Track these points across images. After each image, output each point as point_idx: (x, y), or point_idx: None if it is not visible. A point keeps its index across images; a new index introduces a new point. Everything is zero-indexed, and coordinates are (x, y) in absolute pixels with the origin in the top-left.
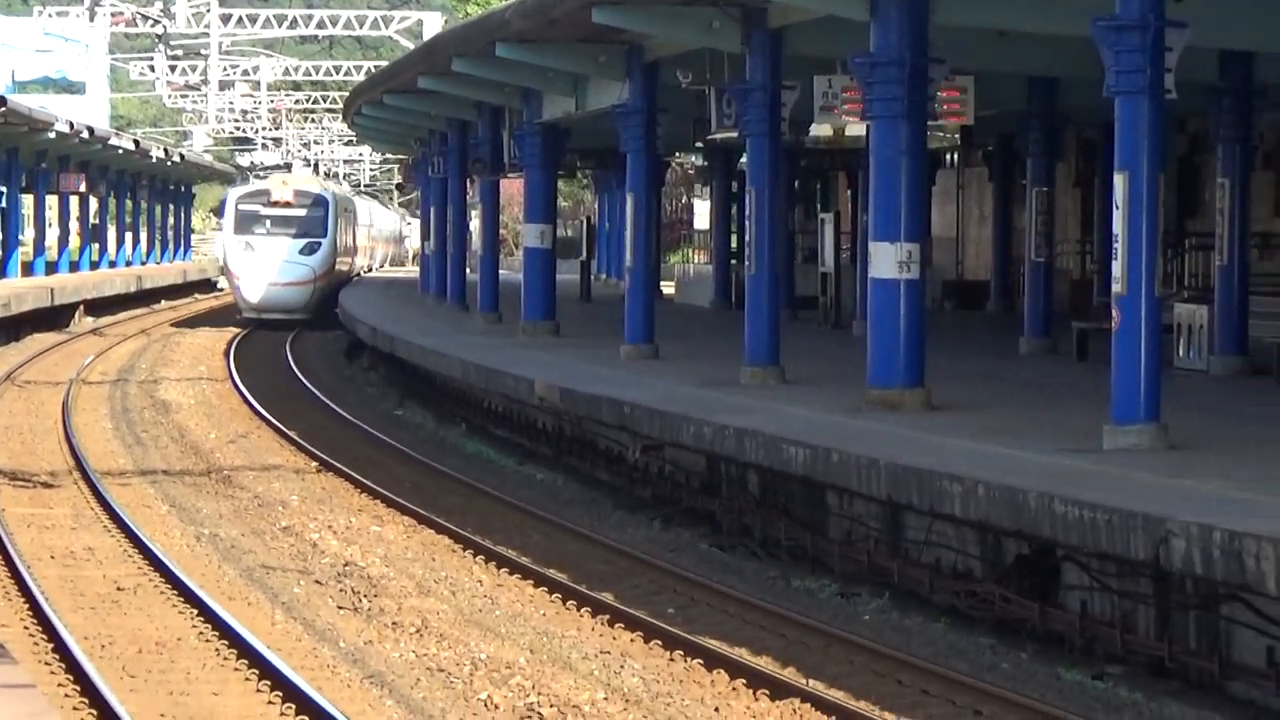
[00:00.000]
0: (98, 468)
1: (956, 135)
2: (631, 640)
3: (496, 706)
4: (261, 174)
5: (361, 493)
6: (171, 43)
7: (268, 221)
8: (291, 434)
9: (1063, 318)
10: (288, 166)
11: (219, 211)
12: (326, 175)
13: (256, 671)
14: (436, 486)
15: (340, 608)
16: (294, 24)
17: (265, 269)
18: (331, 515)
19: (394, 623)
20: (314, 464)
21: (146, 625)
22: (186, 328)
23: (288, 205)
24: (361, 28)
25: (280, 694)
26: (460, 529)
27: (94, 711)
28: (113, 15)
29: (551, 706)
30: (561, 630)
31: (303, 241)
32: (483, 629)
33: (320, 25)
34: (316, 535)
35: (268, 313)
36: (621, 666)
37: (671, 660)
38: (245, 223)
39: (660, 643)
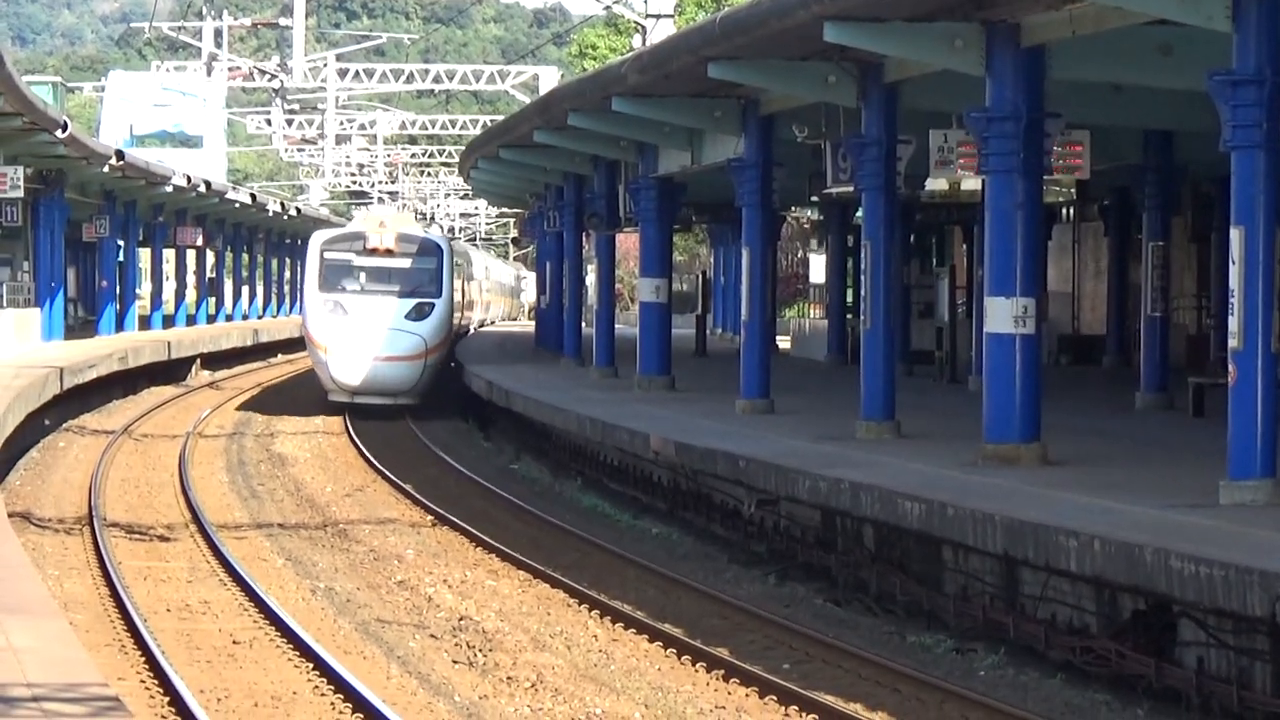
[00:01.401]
0: (214, 521)
1: (1072, 189)
2: (746, 696)
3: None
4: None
5: (477, 547)
6: (288, 97)
7: (363, 275)
8: (407, 487)
9: (1179, 373)
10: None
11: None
12: (438, 227)
13: None
14: (552, 541)
15: (455, 662)
16: (410, 78)
17: (361, 338)
18: (447, 569)
19: (509, 677)
20: (429, 518)
21: (262, 679)
22: (302, 381)
23: (389, 254)
24: (478, 82)
25: None
26: (575, 583)
27: None
28: (230, 70)
29: None
30: (677, 685)
31: (411, 303)
32: (598, 684)
33: (436, 80)
34: (432, 589)
35: (364, 395)
36: None
37: (786, 715)
38: (333, 276)
39: (775, 698)
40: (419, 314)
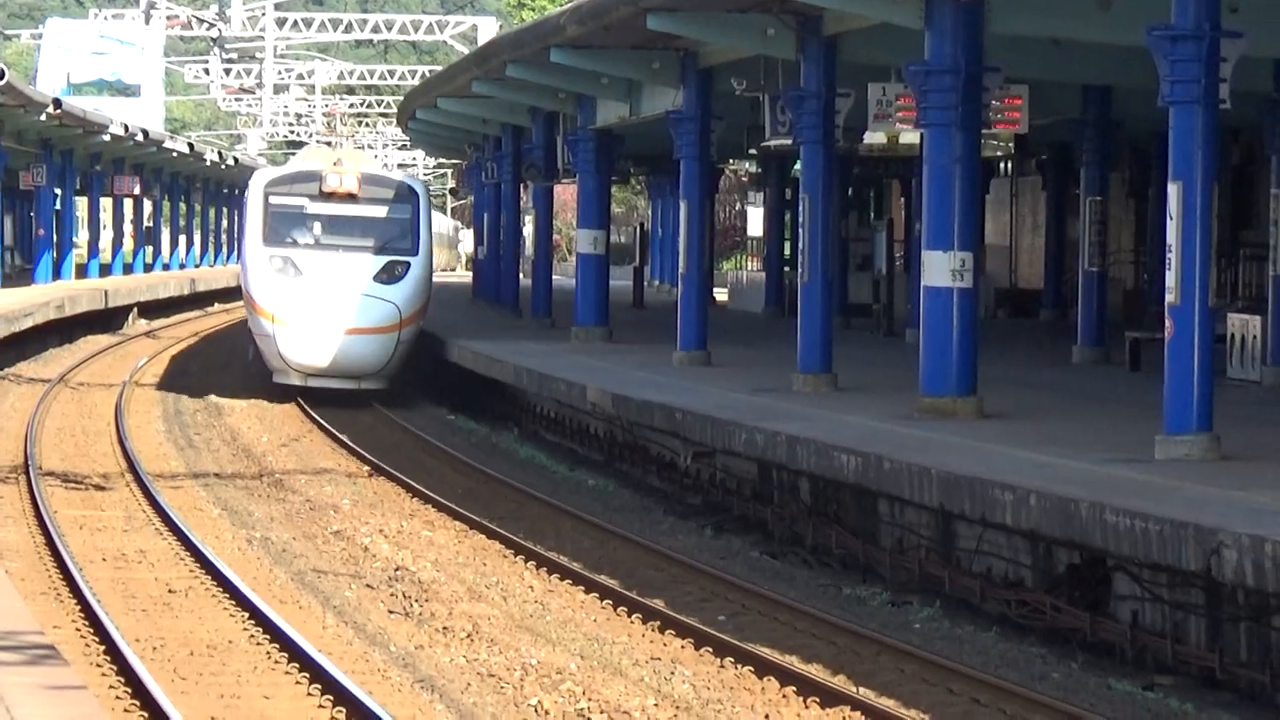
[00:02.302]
0: (150, 470)
1: (1010, 144)
2: (682, 647)
3: (547, 712)
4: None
5: (413, 497)
6: (226, 46)
7: (320, 225)
8: (343, 437)
9: (1116, 327)
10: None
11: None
12: None
13: (307, 675)
14: (488, 492)
15: (391, 612)
16: (349, 28)
17: (320, 306)
18: (383, 519)
19: (445, 628)
20: (366, 468)
21: (198, 628)
22: (240, 331)
23: (351, 199)
24: (416, 32)
25: (331, 698)
26: (511, 534)
27: (145, 714)
28: (168, 19)
29: (602, 712)
30: (612, 636)
31: (381, 261)
32: (533, 634)
33: (375, 30)
34: (368, 539)
35: (323, 378)
36: (672, 673)
37: (722, 667)
38: (281, 226)
39: (711, 650)
40: (391, 275)
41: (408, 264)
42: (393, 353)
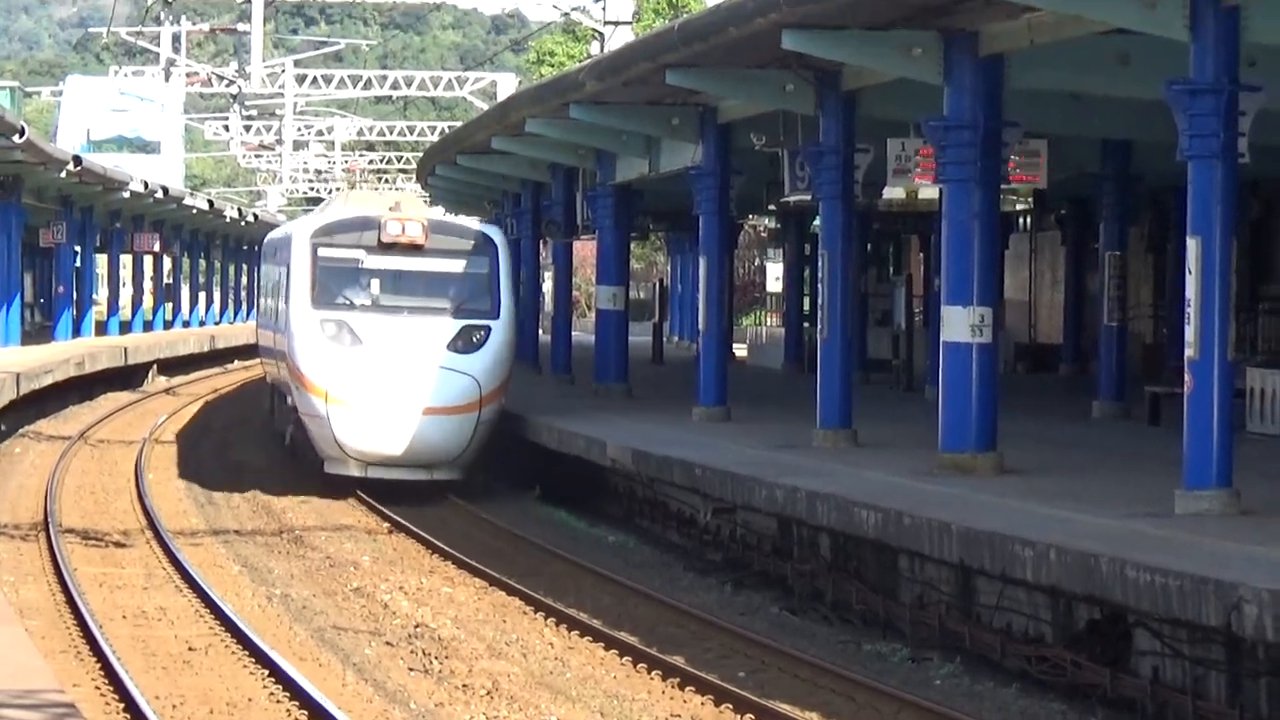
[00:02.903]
0: (170, 527)
1: (1029, 198)
2: (702, 704)
3: None
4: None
5: (433, 554)
6: (246, 103)
7: (381, 283)
8: (362, 494)
9: (1135, 382)
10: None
11: (260, 260)
12: None
13: None
14: (508, 548)
15: (411, 669)
16: (368, 85)
17: (386, 382)
18: (403, 577)
19: (465, 685)
20: (385, 525)
21: (218, 685)
22: (260, 389)
23: (416, 251)
24: (435, 89)
25: None
26: (531, 591)
27: None
28: (188, 76)
29: None
30: (632, 693)
31: (458, 325)
32: (554, 691)
33: (394, 86)
34: (388, 596)
35: (388, 468)
36: None
37: None
38: (333, 285)
39: (731, 706)
40: (468, 343)
41: (487, 329)
42: (471, 436)
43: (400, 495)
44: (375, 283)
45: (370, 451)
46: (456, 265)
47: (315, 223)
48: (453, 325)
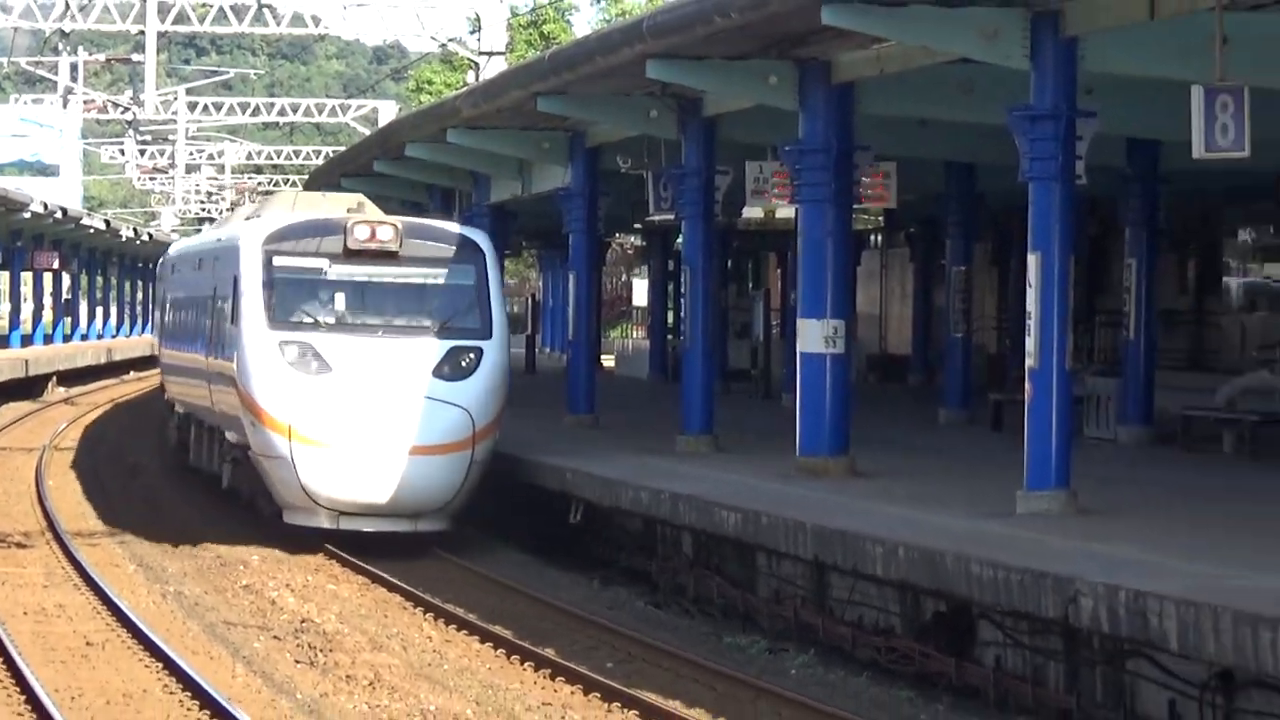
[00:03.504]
0: (69, 529)
1: (880, 218)
2: (572, 693)
3: None
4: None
5: (318, 553)
6: (141, 128)
7: (349, 298)
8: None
9: (980, 390)
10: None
11: (163, 273)
12: None
13: None
14: (389, 548)
15: (298, 662)
16: (256, 111)
17: (363, 415)
18: (290, 574)
19: (348, 676)
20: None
21: (114, 678)
22: (153, 397)
23: (390, 259)
24: (320, 115)
25: None
26: (410, 587)
27: None
28: (85, 103)
29: None
30: (506, 683)
31: (444, 348)
32: (431, 682)
33: (281, 112)
34: (275, 593)
35: (363, 517)
36: (563, 717)
37: (609, 712)
38: (291, 300)
39: (599, 695)
40: (457, 368)
41: (478, 351)
42: (464, 478)
43: (381, 547)
44: (343, 297)
45: (344, 499)
46: (438, 275)
47: (266, 227)
48: (438, 347)
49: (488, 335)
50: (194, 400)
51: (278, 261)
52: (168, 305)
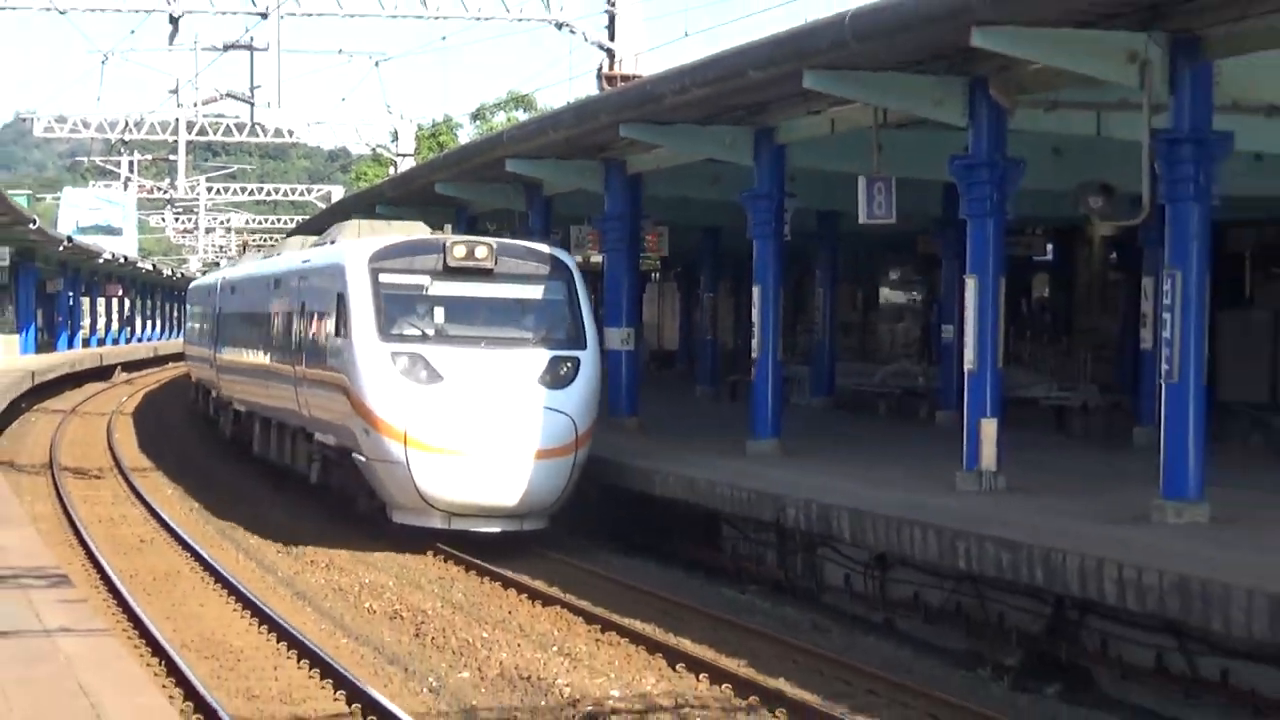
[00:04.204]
0: (129, 466)
1: (658, 262)
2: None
3: (373, 612)
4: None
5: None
6: (175, 204)
7: (455, 313)
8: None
9: (723, 374)
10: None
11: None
12: None
13: (226, 590)
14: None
15: (278, 552)
16: (251, 193)
17: (478, 422)
18: (282, 495)
19: (311, 561)
20: (259, 466)
21: (158, 563)
22: (181, 381)
23: (485, 276)
24: (293, 195)
25: (241, 604)
26: (519, 576)
27: (124, 616)
28: (140, 186)
29: (409, 611)
30: (416, 564)
31: (544, 358)
32: (368, 565)
33: (267, 194)
34: (269, 507)
35: (474, 517)
36: (451, 585)
37: (483, 582)
38: (400, 314)
39: (476, 570)
40: (557, 377)
41: (576, 361)
42: (568, 481)
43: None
44: (446, 311)
45: (458, 501)
46: (533, 291)
47: (369, 247)
48: (542, 357)
49: (583, 345)
50: (267, 402)
51: (383, 278)
52: (221, 320)
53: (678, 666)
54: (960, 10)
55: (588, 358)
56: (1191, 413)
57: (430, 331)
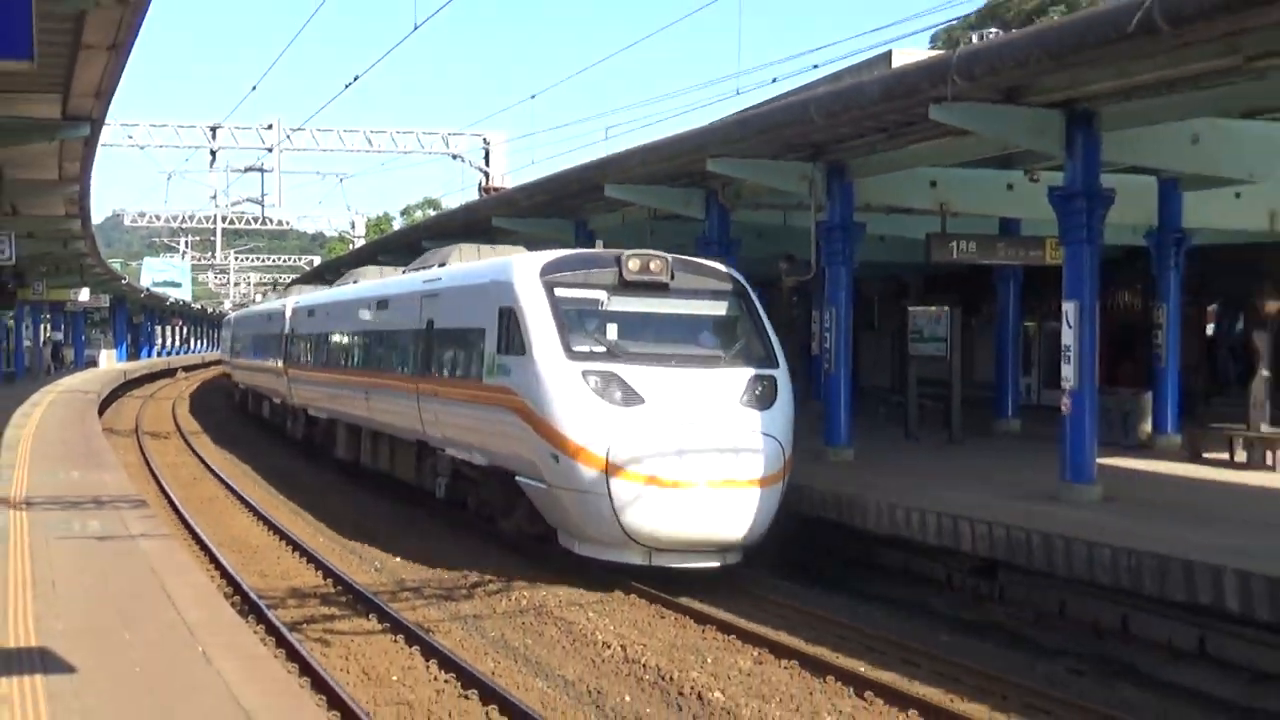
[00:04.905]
0: (186, 430)
1: None
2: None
3: (340, 519)
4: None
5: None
6: (215, 267)
7: (638, 329)
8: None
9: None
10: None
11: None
12: None
13: (252, 511)
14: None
15: (281, 484)
16: (263, 259)
17: (682, 447)
18: (302, 455)
19: (296, 485)
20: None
21: (206, 491)
22: (218, 381)
23: (662, 291)
24: (289, 262)
25: (256, 517)
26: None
27: (182, 526)
28: (192, 256)
29: None
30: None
31: (746, 375)
32: (327, 482)
33: (274, 263)
34: (293, 460)
35: (679, 551)
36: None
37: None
38: (585, 331)
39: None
40: (760, 398)
41: (773, 380)
42: (775, 510)
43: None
44: (628, 327)
45: (665, 534)
46: (713, 307)
47: (536, 259)
48: (741, 376)
49: (775, 364)
50: (360, 413)
51: (559, 292)
52: (293, 340)
53: None
54: (700, 148)
55: (782, 377)
56: (843, 392)
57: (618, 349)
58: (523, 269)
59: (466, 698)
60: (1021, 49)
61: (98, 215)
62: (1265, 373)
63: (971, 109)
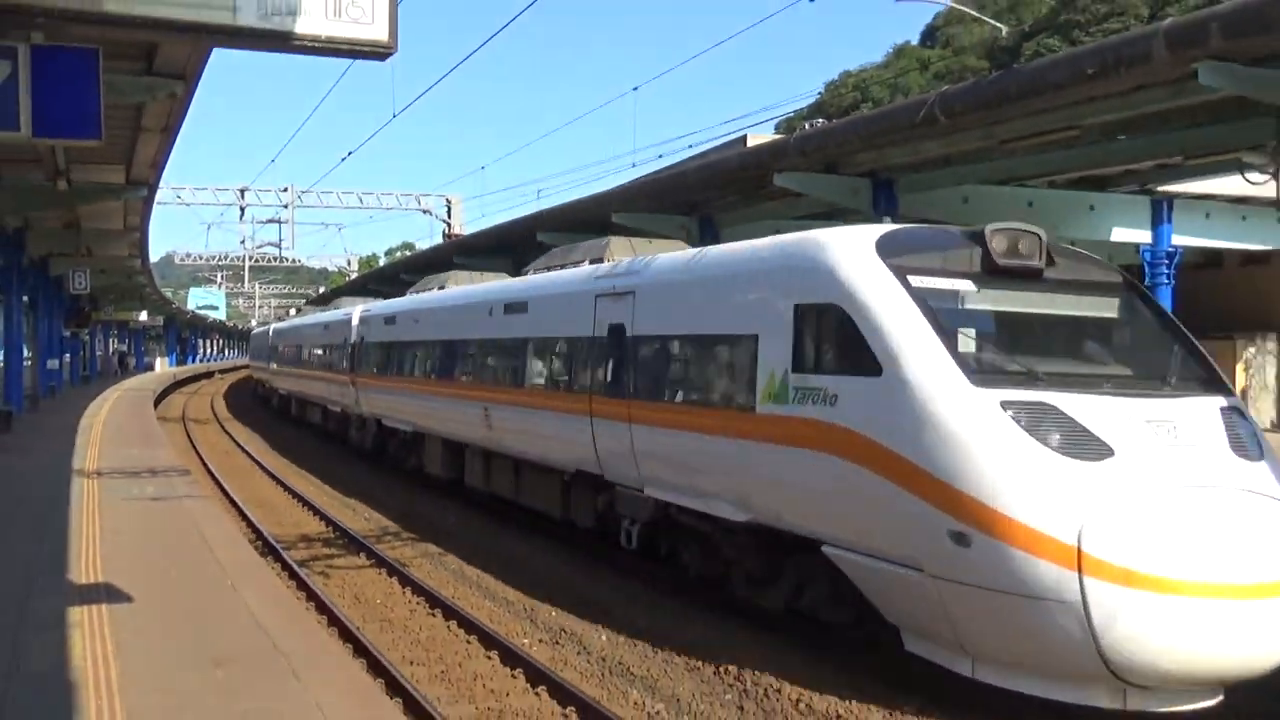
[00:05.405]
0: (221, 416)
1: None
2: None
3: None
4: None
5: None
6: (244, 296)
7: (1033, 338)
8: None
9: None
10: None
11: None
12: None
13: (275, 479)
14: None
15: (301, 458)
16: (280, 289)
17: (1199, 530)
18: (322, 443)
19: (300, 463)
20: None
21: (239, 464)
22: (244, 381)
23: (1038, 284)
24: (304, 289)
25: (283, 486)
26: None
27: (220, 490)
28: (226, 288)
29: None
30: None
31: (1214, 408)
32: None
33: (289, 294)
34: (298, 441)
35: (1185, 688)
36: None
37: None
38: (975, 340)
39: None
40: (1246, 442)
41: (1242, 413)
42: None
43: None
44: (1019, 337)
45: (1179, 665)
46: (1108, 305)
47: (862, 235)
48: (1210, 410)
49: (1227, 389)
50: (471, 432)
51: (915, 283)
52: (364, 349)
53: None
54: (606, 205)
55: (1245, 408)
56: None
57: (1036, 370)
58: (849, 246)
59: (433, 615)
60: (841, 134)
61: (154, 255)
62: None
63: (805, 177)
